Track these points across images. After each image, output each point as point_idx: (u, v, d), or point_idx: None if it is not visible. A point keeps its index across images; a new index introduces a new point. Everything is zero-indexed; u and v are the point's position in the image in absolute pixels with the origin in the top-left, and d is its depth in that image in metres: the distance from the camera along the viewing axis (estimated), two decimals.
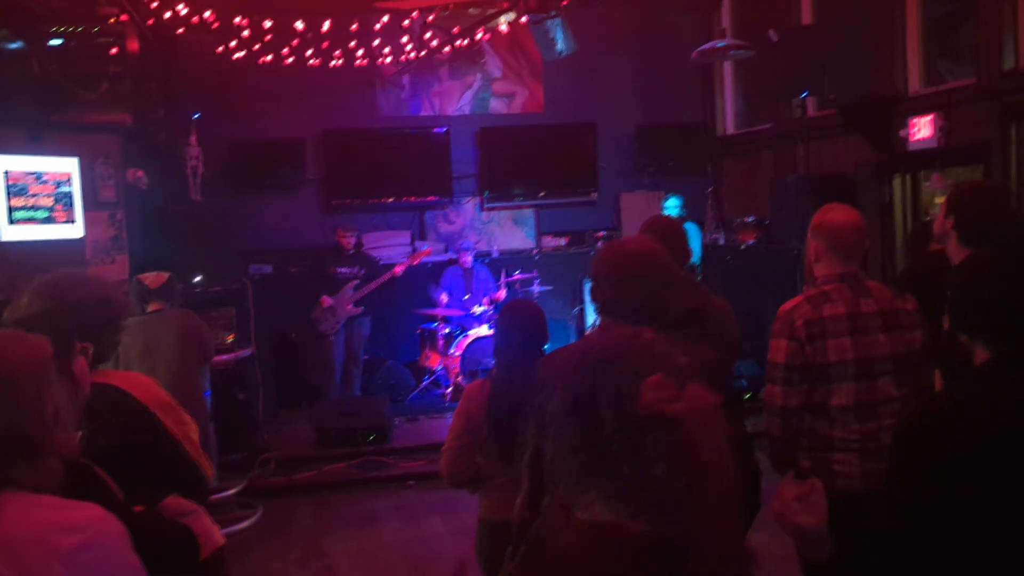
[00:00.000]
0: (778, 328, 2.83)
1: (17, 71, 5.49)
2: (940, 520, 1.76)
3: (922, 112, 6.28)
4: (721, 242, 8.68)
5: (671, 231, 3.27)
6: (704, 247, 8.41)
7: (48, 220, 5.75)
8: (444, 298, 8.19)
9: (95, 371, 2.17)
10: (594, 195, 9.29)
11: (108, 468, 1.91)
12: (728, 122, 9.40)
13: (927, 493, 1.78)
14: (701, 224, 8.62)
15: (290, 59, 7.97)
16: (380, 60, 8.41)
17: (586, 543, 1.24)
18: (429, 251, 8.48)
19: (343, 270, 7.80)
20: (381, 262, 8.23)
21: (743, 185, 9.08)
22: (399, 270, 7.90)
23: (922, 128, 6.25)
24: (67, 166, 5.87)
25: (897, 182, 6.78)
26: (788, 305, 2.85)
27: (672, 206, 8.08)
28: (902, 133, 6.46)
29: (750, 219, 8.13)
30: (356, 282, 7.76)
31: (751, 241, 8.00)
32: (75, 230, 5.96)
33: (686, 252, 3.26)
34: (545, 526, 1.35)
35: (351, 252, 7.94)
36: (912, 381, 2.81)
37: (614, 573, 1.20)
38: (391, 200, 8.93)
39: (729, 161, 9.41)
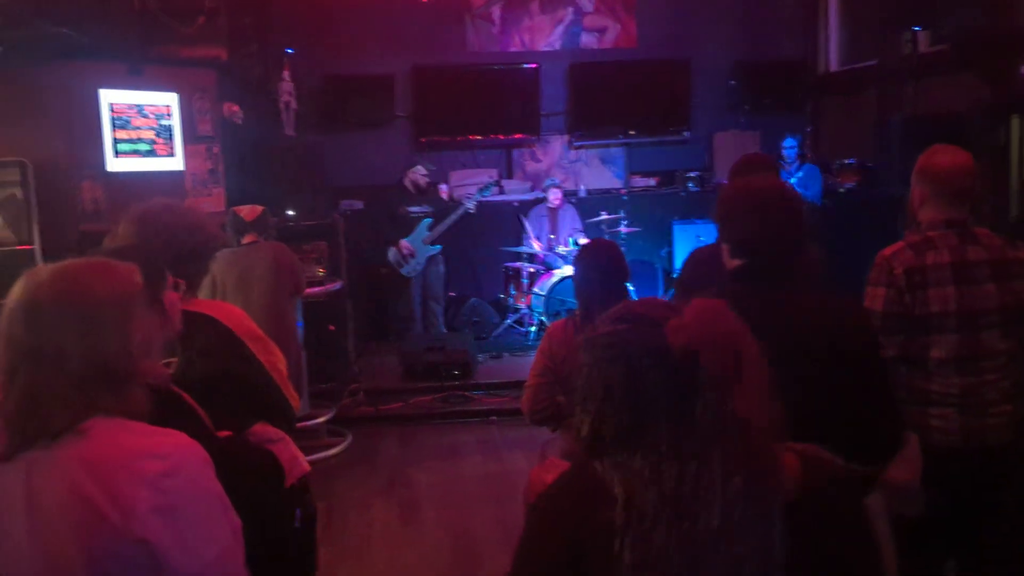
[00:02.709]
0: (875, 275, 2.69)
1: (117, 6, 5.62)
2: None
3: None
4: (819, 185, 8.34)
5: (769, 167, 3.16)
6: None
7: (150, 153, 5.94)
8: (536, 244, 8.16)
9: (187, 300, 2.23)
10: (686, 134, 9.04)
11: (199, 396, 1.97)
12: (831, 58, 8.94)
13: None
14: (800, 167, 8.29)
15: None
16: None
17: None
18: (501, 188, 8.42)
19: (414, 209, 7.83)
20: (461, 198, 8.21)
21: (844, 126, 8.68)
22: (472, 206, 7.88)
23: None
24: (167, 100, 6.03)
25: (1014, 123, 6.35)
26: (888, 251, 2.70)
27: (789, 146, 7.80)
28: (1022, 71, 6.04)
29: (851, 161, 7.77)
30: (429, 220, 7.80)
31: (851, 184, 7.67)
32: (175, 163, 6.14)
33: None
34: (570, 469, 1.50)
35: (423, 189, 7.93)
36: (1021, 334, 2.65)
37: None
38: (479, 137, 8.88)
39: (830, 100, 8.99)
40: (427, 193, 8.00)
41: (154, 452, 1.45)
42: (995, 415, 2.62)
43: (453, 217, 7.81)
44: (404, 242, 7.72)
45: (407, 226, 7.77)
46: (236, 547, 1.52)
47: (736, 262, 2.14)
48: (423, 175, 7.88)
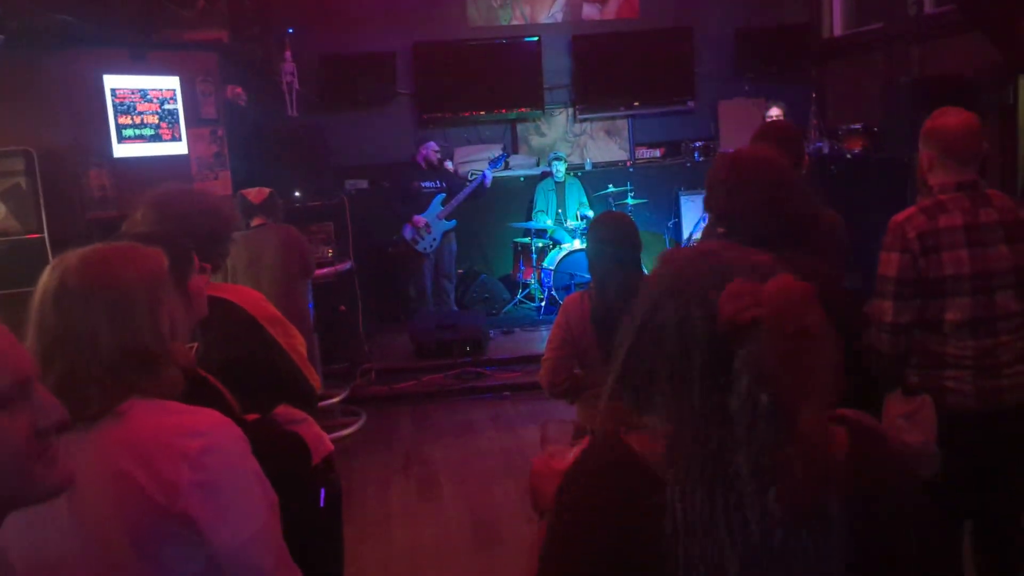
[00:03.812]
0: (889, 240, 2.68)
1: None
2: None
3: None
4: (825, 151, 8.30)
5: (786, 135, 3.15)
6: (807, 156, 8.07)
7: (155, 138, 5.93)
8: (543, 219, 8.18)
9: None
10: (691, 103, 8.98)
11: (222, 379, 1.99)
12: (835, 22, 8.86)
13: None
14: (804, 132, 8.24)
15: None
16: None
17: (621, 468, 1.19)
18: (508, 163, 8.42)
19: (427, 184, 7.82)
20: (471, 175, 8.21)
21: (850, 90, 8.61)
22: (486, 179, 7.87)
23: None
24: (170, 84, 6.00)
25: (1022, 84, 6.31)
26: (900, 216, 2.69)
27: (774, 115, 7.76)
28: None
29: (857, 126, 7.72)
30: (443, 195, 7.78)
31: (858, 150, 7.62)
32: (180, 147, 6.13)
33: (801, 157, 3.14)
34: (598, 444, 1.28)
35: (435, 165, 7.93)
36: None
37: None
38: (482, 113, 8.84)
39: (835, 65, 8.91)
40: (439, 169, 7.99)
41: (193, 430, 1.48)
42: (1010, 375, 2.63)
43: (467, 190, 7.80)
44: (419, 217, 7.71)
45: (420, 203, 7.77)
46: (274, 521, 1.55)
47: (721, 230, 2.23)
48: (435, 151, 7.87)
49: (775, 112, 7.73)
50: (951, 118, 2.72)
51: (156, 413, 1.49)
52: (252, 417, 2.03)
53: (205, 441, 1.47)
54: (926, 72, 6.84)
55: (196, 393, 1.68)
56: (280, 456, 2.01)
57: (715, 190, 2.22)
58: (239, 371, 2.14)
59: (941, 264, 2.62)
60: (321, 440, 2.33)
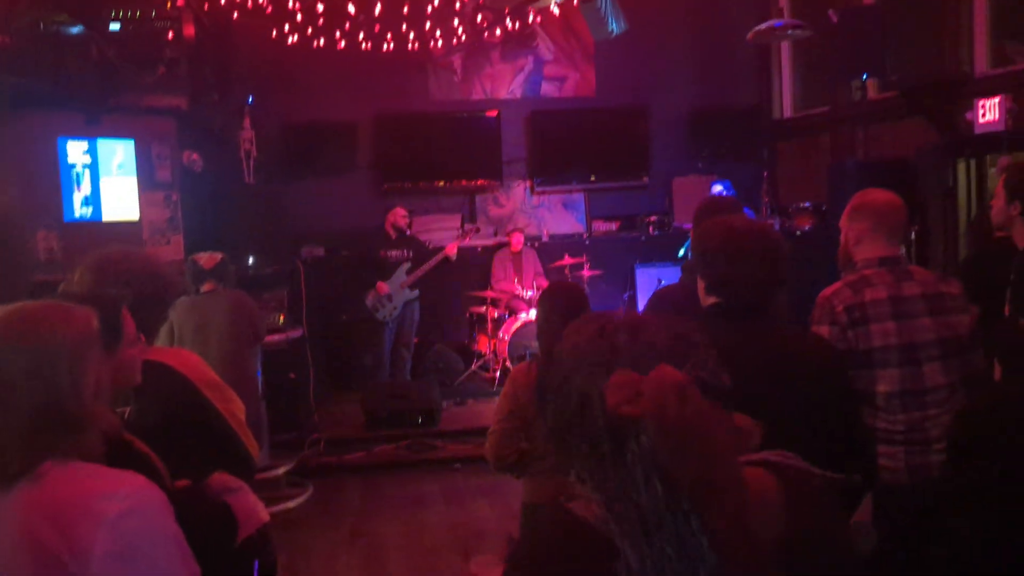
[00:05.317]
0: (818, 315, 2.76)
1: (77, 55, 5.60)
2: (1003, 515, 1.69)
3: (989, 94, 6.05)
4: (776, 228, 8.50)
5: (736, 211, 3.21)
6: None
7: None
8: (502, 285, 8.18)
9: (143, 349, 2.19)
10: (646, 179, 9.18)
11: (154, 444, 1.93)
12: (785, 105, 9.18)
13: (989, 489, 1.71)
14: (756, 209, 8.45)
15: (342, 43, 8.00)
16: (432, 43, 8.40)
17: (571, 539, 1.16)
18: (479, 228, 8.46)
19: (393, 253, 7.80)
20: (430, 245, 8.23)
21: (799, 170, 8.87)
22: (452, 250, 7.84)
23: (989, 110, 6.03)
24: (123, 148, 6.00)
25: (961, 167, 6.55)
26: (828, 291, 2.78)
27: (719, 192, 7.93)
28: (968, 116, 6.24)
29: (806, 205, 7.94)
30: (408, 265, 7.75)
31: (807, 227, 7.82)
32: (132, 211, 6.09)
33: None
34: (544, 516, 1.26)
35: (407, 233, 7.91)
36: (960, 368, 2.71)
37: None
38: (442, 184, 8.94)
39: (785, 145, 9.20)
40: (407, 237, 7.94)
41: (112, 493, 1.43)
42: (939, 451, 2.67)
43: (433, 261, 7.76)
44: (382, 283, 7.62)
45: (384, 271, 7.70)
46: None
47: (712, 299, 2.21)
48: (403, 216, 7.83)
49: (718, 188, 7.94)
50: (880, 194, 2.85)
51: (75, 476, 1.44)
52: (181, 483, 1.97)
53: (124, 505, 1.41)
54: (870, 153, 7.09)
55: (120, 457, 1.63)
56: (204, 526, 1.94)
57: (713, 258, 2.24)
58: (173, 435, 2.08)
59: (870, 336, 2.68)
60: (255, 510, 2.25)
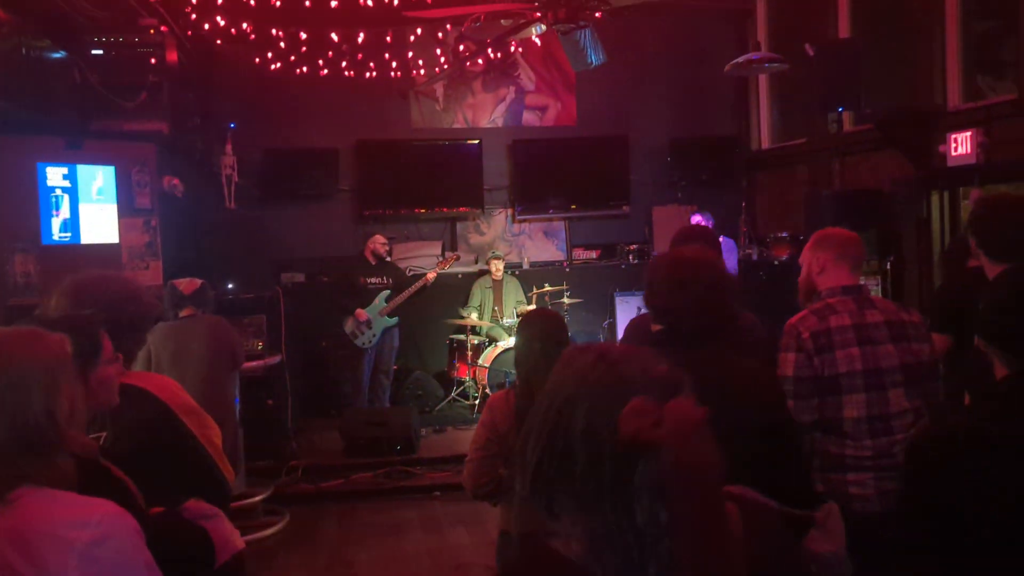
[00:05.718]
0: (785, 341, 2.83)
1: (58, 80, 5.60)
2: (954, 543, 1.71)
3: (961, 128, 6.17)
4: (755, 257, 8.58)
5: (707, 239, 3.26)
6: (738, 262, 8.33)
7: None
8: (475, 317, 8.18)
9: (120, 373, 2.18)
10: (626, 208, 9.25)
11: (129, 469, 1.91)
12: (762, 136, 9.31)
13: (939, 515, 1.73)
14: (735, 238, 8.53)
15: (325, 70, 8.06)
16: (414, 72, 8.47)
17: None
18: (458, 256, 8.48)
19: (373, 280, 7.78)
20: (409, 272, 8.23)
21: (777, 200, 8.99)
22: (431, 277, 7.84)
23: (961, 144, 6.14)
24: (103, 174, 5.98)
25: (935, 198, 6.66)
26: (794, 319, 2.86)
27: (696, 222, 8.01)
28: (941, 148, 6.35)
29: (784, 234, 8.04)
30: (387, 292, 7.74)
31: (785, 257, 7.90)
32: (111, 235, 6.06)
33: (720, 260, 3.23)
34: (524, 551, 1.28)
35: (386, 260, 7.90)
36: (922, 393, 2.78)
37: None
38: (423, 211, 8.97)
39: (763, 176, 9.32)
40: (387, 264, 7.93)
41: (84, 520, 1.42)
42: None
43: (412, 289, 7.74)
44: (361, 311, 7.59)
45: (364, 297, 7.67)
46: None
47: (657, 327, 2.30)
48: (383, 244, 7.82)
49: (697, 219, 8.02)
50: (841, 230, 3.00)
51: (46, 502, 1.43)
52: (156, 510, 1.95)
53: (96, 533, 1.41)
54: (846, 184, 7.19)
55: (96, 483, 1.62)
56: (181, 551, 1.93)
57: (657, 287, 2.30)
58: (149, 461, 2.06)
59: (835, 362, 2.74)
60: (231, 538, 2.24)
